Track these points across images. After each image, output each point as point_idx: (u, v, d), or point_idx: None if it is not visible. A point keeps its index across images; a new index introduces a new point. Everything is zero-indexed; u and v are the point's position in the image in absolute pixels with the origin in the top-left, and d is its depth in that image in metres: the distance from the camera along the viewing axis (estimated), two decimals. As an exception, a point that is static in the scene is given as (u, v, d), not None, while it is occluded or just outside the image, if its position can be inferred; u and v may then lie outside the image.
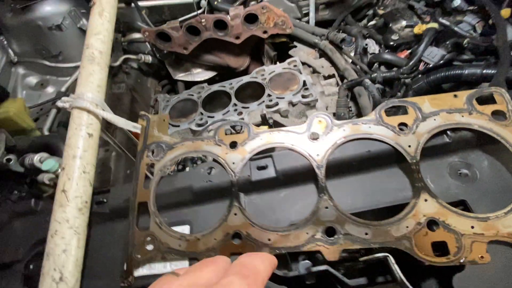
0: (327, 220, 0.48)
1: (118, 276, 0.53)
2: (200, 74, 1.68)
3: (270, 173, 0.55)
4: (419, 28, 1.12)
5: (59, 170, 0.76)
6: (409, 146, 0.53)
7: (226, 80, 1.49)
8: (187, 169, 0.73)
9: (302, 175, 0.53)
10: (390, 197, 0.51)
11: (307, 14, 1.66)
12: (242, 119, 1.23)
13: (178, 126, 1.28)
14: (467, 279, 0.43)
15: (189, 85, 1.68)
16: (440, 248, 0.46)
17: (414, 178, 0.49)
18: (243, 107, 1.27)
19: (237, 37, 1.39)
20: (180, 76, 1.67)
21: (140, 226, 0.53)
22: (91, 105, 0.59)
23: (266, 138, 0.57)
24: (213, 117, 1.27)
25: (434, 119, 0.55)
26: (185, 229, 0.54)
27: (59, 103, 0.60)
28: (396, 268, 0.45)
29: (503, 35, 0.96)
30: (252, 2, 1.57)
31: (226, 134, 0.58)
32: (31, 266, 0.57)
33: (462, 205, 0.50)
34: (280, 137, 0.56)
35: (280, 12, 1.33)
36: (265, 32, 1.39)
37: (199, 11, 1.60)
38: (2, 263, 0.59)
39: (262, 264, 0.36)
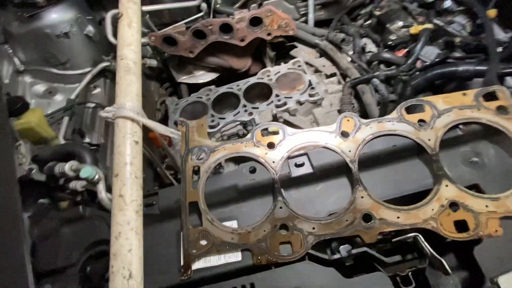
0: (364, 208, 0.55)
1: (173, 271, 0.57)
2: (203, 76, 1.71)
3: (307, 169, 0.61)
4: (415, 29, 1.21)
5: (96, 177, 0.79)
6: (429, 139, 0.61)
7: (227, 80, 1.54)
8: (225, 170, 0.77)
9: (336, 169, 0.59)
10: (415, 185, 0.59)
11: (304, 15, 1.72)
12: (253, 119, 1.28)
13: (191, 128, 1.32)
14: (485, 249, 0.51)
15: (191, 87, 1.71)
16: (461, 226, 0.54)
17: (436, 167, 0.57)
18: (253, 108, 1.32)
19: (242, 40, 1.44)
20: (183, 78, 1.69)
21: (192, 224, 0.58)
22: (134, 114, 0.63)
23: (300, 137, 0.62)
24: (224, 118, 1.31)
25: (448, 115, 0.63)
26: (233, 224, 0.59)
27: (102, 113, 0.63)
28: (426, 245, 0.52)
29: (490, 34, 1.07)
30: (253, 5, 1.62)
31: (262, 136, 0.63)
32: (88, 268, 0.60)
33: (475, 188, 0.58)
34: (313, 136, 0.62)
35: (283, 15, 1.38)
36: (269, 34, 1.44)
37: (200, 14, 1.63)
38: (55, 268, 0.61)
39: None
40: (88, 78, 1.31)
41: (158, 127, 0.68)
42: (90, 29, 1.30)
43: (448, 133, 0.62)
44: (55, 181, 0.96)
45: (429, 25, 1.19)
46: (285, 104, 1.29)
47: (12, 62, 1.23)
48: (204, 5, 1.60)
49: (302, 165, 0.61)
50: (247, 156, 0.62)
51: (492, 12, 1.14)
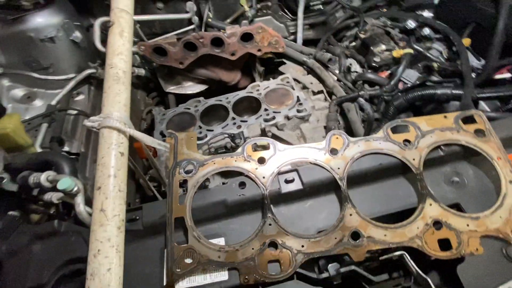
0: (352, 225, 0.55)
1: (156, 291, 0.54)
2: (191, 87, 1.70)
3: (297, 185, 0.61)
4: (397, 53, 1.28)
5: (75, 189, 0.74)
6: (413, 159, 0.63)
7: (216, 93, 1.54)
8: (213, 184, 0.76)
9: (326, 186, 0.59)
10: (401, 203, 0.60)
11: (293, 33, 1.79)
12: (242, 132, 1.28)
13: (177, 139, 1.29)
14: (468, 268, 0.53)
15: (179, 98, 1.70)
16: (444, 244, 0.55)
17: (420, 186, 0.59)
18: (241, 121, 1.32)
19: (233, 54, 1.46)
20: (172, 88, 1.67)
21: (177, 241, 0.55)
22: (120, 124, 0.61)
23: (290, 153, 0.63)
24: (212, 130, 1.30)
25: (431, 136, 0.66)
26: (220, 241, 0.57)
27: (87, 123, 0.61)
28: (412, 263, 0.53)
29: (466, 61, 1.15)
30: (244, 21, 1.66)
31: (253, 151, 0.63)
32: (60, 289, 0.55)
33: (456, 207, 0.61)
34: (303, 153, 0.63)
35: (274, 33, 1.42)
36: (259, 50, 1.47)
37: (191, 27, 1.64)
38: (24, 289, 0.56)
39: None
40: (72, 84, 1.26)
41: (145, 139, 0.66)
42: (77, 35, 1.27)
43: (430, 153, 0.64)
44: (28, 192, 0.90)
45: (410, 50, 1.26)
46: (273, 118, 1.30)
47: (-10, 65, 1.17)
48: (196, 18, 1.62)
49: (292, 181, 0.61)
50: (237, 171, 0.61)
51: (466, 41, 1.24)
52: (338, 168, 0.61)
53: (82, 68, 1.33)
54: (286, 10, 1.74)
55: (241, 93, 1.44)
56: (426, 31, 1.36)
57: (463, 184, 0.63)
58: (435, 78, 1.31)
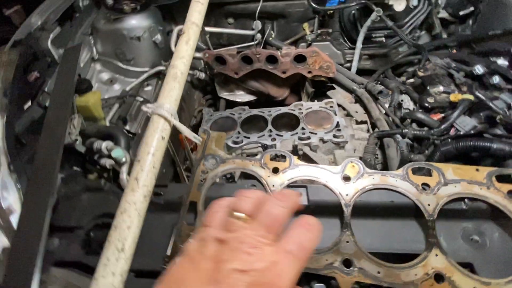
0: (346, 252, 0.56)
1: (158, 259, 0.63)
2: (242, 96, 1.85)
3: (303, 201, 0.64)
4: (455, 97, 1.20)
5: (123, 159, 0.90)
6: (429, 204, 0.60)
7: (262, 104, 1.64)
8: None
9: (330, 209, 0.61)
10: (405, 246, 0.58)
11: (349, 61, 1.80)
12: (275, 145, 1.34)
13: (216, 139, 1.42)
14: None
15: (229, 103, 1.85)
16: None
17: (429, 233, 0.56)
18: (277, 134, 1.38)
19: (284, 72, 1.55)
20: (224, 94, 1.84)
21: (187, 221, 0.63)
22: (168, 114, 0.73)
23: (304, 170, 0.67)
24: (248, 137, 1.39)
25: (455, 186, 0.62)
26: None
27: (144, 108, 0.75)
28: (400, 308, 0.51)
29: (535, 120, 1.02)
30: (302, 44, 1.75)
31: (271, 160, 0.69)
32: (91, 234, 0.68)
33: (468, 267, 0.56)
34: (316, 172, 0.66)
35: (326, 58, 1.48)
36: (309, 72, 1.53)
37: (254, 43, 1.80)
38: (67, 226, 0.71)
39: (314, 240, 0.37)
40: (144, 76, 1.51)
41: (184, 130, 0.77)
42: (158, 37, 1.52)
43: (452, 204, 0.61)
44: (91, 155, 1.11)
45: (470, 96, 1.17)
46: (308, 138, 1.33)
47: (91, 50, 1.48)
48: (258, 35, 1.77)
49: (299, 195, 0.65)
50: (250, 174, 0.67)
51: (541, 98, 1.10)
52: (347, 195, 0.62)
53: (156, 64, 1.57)
54: (346, 39, 1.77)
55: (283, 109, 1.51)
56: (496, 79, 1.24)
57: (483, 245, 0.57)
58: (498, 131, 1.19)
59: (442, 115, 1.27)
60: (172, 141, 1.25)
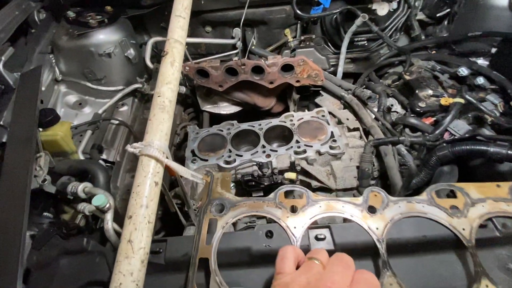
0: (391, 298, 0.50)
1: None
2: (226, 108, 1.75)
3: (328, 244, 0.57)
4: (445, 100, 1.21)
5: (106, 206, 0.77)
6: (463, 229, 0.56)
7: (248, 115, 1.55)
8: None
9: (360, 250, 0.55)
10: (445, 285, 0.53)
11: (333, 65, 1.78)
12: (270, 161, 1.26)
13: (207, 160, 1.31)
14: None
15: (213, 116, 1.74)
16: None
17: (474, 262, 0.52)
18: (271, 150, 1.30)
19: (271, 82, 1.48)
20: (208, 107, 1.73)
21: (197, 282, 0.53)
22: (159, 153, 0.62)
23: (324, 206, 0.59)
24: (241, 155, 1.30)
25: (483, 206, 0.59)
26: (239, 291, 0.55)
27: (129, 148, 0.63)
28: None
29: (525, 120, 1.05)
30: (286, 51, 1.69)
31: (285, 197, 0.61)
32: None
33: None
34: (339, 207, 0.59)
35: (315, 66, 1.42)
36: (297, 81, 1.48)
37: (234, 52, 1.71)
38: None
39: (378, 283, 0.47)
40: (119, 95, 1.35)
41: (181, 170, 0.66)
42: (131, 52, 1.37)
43: (482, 231, 0.57)
44: (64, 195, 0.95)
45: (461, 100, 1.18)
46: (304, 152, 1.27)
47: (53, 71, 1.29)
48: (239, 44, 1.68)
49: (323, 239, 0.57)
50: (267, 217, 0.59)
51: (527, 97, 1.13)
52: (377, 229, 0.56)
53: (130, 81, 1.42)
54: (329, 44, 1.74)
55: (274, 121, 1.43)
56: (480, 80, 1.27)
57: (522, 274, 0.54)
58: (487, 131, 1.21)
59: (434, 119, 1.28)
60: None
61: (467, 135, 1.13)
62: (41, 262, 0.61)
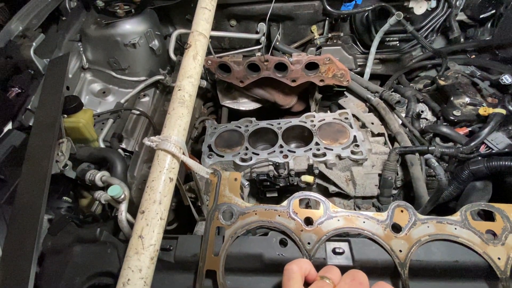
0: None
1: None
2: (245, 104, 1.72)
3: (346, 260, 0.53)
4: (484, 110, 1.11)
5: (121, 196, 0.77)
6: (499, 258, 0.50)
7: (267, 111, 1.51)
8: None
9: (380, 270, 0.51)
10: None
11: (360, 66, 1.69)
12: (287, 162, 1.22)
13: (223, 156, 1.29)
14: None
15: (232, 111, 1.72)
16: None
17: None
18: (289, 150, 1.26)
19: (294, 80, 1.43)
20: (227, 102, 1.71)
21: None
22: (176, 149, 0.60)
23: (343, 220, 0.55)
24: (258, 154, 1.27)
25: None
26: (248, 299, 0.52)
27: (147, 142, 0.62)
28: None
29: None
30: (311, 49, 1.63)
31: (300, 207, 0.57)
32: (86, 302, 0.56)
33: None
34: (359, 222, 0.55)
35: (341, 66, 1.36)
36: (321, 80, 1.42)
37: (258, 47, 1.67)
38: (57, 290, 0.58)
39: None
40: (141, 86, 1.36)
41: (195, 167, 0.65)
42: (155, 43, 1.37)
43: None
44: (83, 181, 0.97)
45: (502, 110, 1.08)
46: (324, 155, 1.22)
47: (80, 59, 1.32)
48: (263, 39, 1.64)
49: (341, 253, 0.53)
50: (279, 230, 0.56)
51: None
52: (400, 251, 0.52)
53: (153, 72, 1.43)
54: (358, 43, 1.66)
55: (294, 121, 1.39)
56: (526, 90, 1.15)
57: None
58: (530, 146, 1.10)
59: (469, 129, 1.18)
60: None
61: (506, 149, 1.03)
62: (55, 247, 0.62)
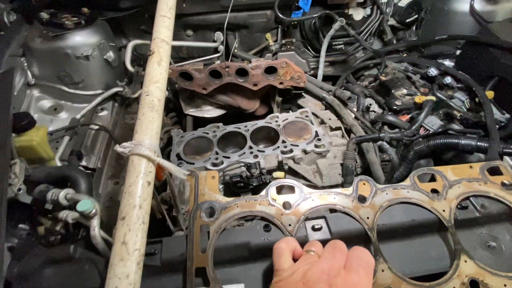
0: (384, 283, 0.52)
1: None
2: (210, 111, 1.73)
3: (325, 234, 0.58)
4: (419, 98, 1.29)
5: (92, 211, 0.73)
6: (444, 210, 0.60)
7: (232, 117, 1.56)
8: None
9: (354, 237, 0.57)
10: (433, 265, 0.57)
11: (313, 69, 1.84)
12: (258, 162, 1.27)
13: (193, 163, 1.29)
14: None
15: (197, 120, 1.72)
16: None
17: (453, 240, 0.56)
18: (258, 150, 1.31)
19: (255, 84, 1.49)
20: (191, 111, 1.71)
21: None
22: (150, 152, 0.60)
23: (317, 199, 0.61)
24: (228, 157, 1.29)
25: (458, 187, 0.64)
26: (239, 288, 0.54)
27: (118, 148, 0.61)
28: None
29: (490, 114, 1.15)
30: (268, 55, 1.72)
31: (277, 194, 0.61)
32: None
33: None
34: (331, 198, 0.61)
35: (297, 68, 1.47)
36: (281, 83, 1.51)
37: (217, 55, 1.71)
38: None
39: (371, 256, 0.51)
40: (98, 100, 1.30)
41: (172, 169, 0.65)
42: (110, 54, 1.33)
43: (463, 213, 0.62)
44: (41, 205, 0.89)
45: (433, 97, 1.27)
46: (291, 151, 1.29)
47: (25, 75, 1.22)
48: (221, 47, 1.69)
49: (319, 229, 0.59)
50: (261, 217, 0.59)
51: (489, 94, 1.25)
52: (368, 218, 0.59)
53: (110, 85, 1.37)
54: (309, 47, 1.80)
55: (260, 123, 1.45)
56: (448, 79, 1.37)
57: (500, 249, 0.59)
58: (456, 126, 1.31)
59: (409, 116, 1.37)
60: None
61: (440, 129, 1.21)
62: (23, 273, 0.56)
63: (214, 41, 1.71)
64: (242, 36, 1.74)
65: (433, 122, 1.24)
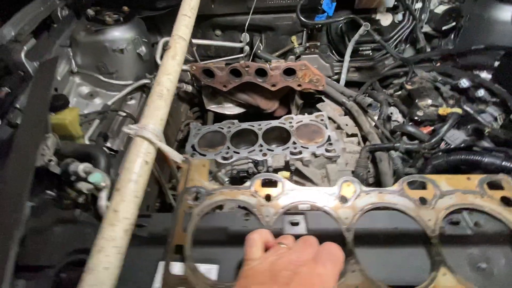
0: (353, 283, 0.52)
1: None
2: (230, 109, 1.80)
3: (302, 230, 0.59)
4: (443, 110, 1.21)
5: (102, 184, 0.82)
6: (429, 220, 0.58)
7: (251, 117, 1.60)
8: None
9: (332, 237, 0.57)
10: (412, 277, 0.54)
11: (337, 73, 1.81)
12: (266, 160, 1.30)
13: (205, 155, 1.36)
14: None
15: (217, 116, 1.80)
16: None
17: (434, 251, 0.53)
18: (268, 149, 1.34)
19: (273, 85, 1.52)
20: (212, 107, 1.79)
21: (173, 268, 0.57)
22: (152, 136, 0.67)
23: (298, 195, 0.62)
24: (238, 153, 1.34)
25: (451, 198, 0.61)
26: (213, 268, 0.57)
27: (126, 129, 0.68)
28: None
29: (523, 133, 1.04)
30: (291, 57, 1.74)
31: (262, 186, 0.64)
32: (62, 275, 0.60)
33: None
34: (313, 196, 0.62)
35: (316, 72, 1.46)
36: (299, 85, 1.52)
37: (241, 55, 1.77)
38: (35, 266, 0.62)
39: (341, 252, 0.52)
40: (128, 89, 1.43)
41: (171, 153, 0.71)
42: (142, 49, 1.46)
43: (454, 228, 0.58)
44: (67, 177, 1.01)
45: (458, 110, 1.19)
46: (300, 153, 1.30)
47: (69, 63, 1.39)
48: (247, 48, 1.75)
49: (297, 224, 0.60)
50: (242, 206, 0.62)
51: (526, 111, 1.13)
52: (346, 218, 0.59)
53: (140, 77, 1.50)
54: (334, 52, 1.78)
55: (273, 123, 1.47)
56: (481, 92, 1.27)
57: (490, 273, 0.55)
58: (486, 144, 1.20)
59: (432, 128, 1.28)
60: (156, 157, 1.18)
61: (462, 144, 1.13)
62: (37, 228, 0.66)
63: (241, 42, 1.78)
64: (268, 38, 1.78)
65: (456, 137, 1.15)
